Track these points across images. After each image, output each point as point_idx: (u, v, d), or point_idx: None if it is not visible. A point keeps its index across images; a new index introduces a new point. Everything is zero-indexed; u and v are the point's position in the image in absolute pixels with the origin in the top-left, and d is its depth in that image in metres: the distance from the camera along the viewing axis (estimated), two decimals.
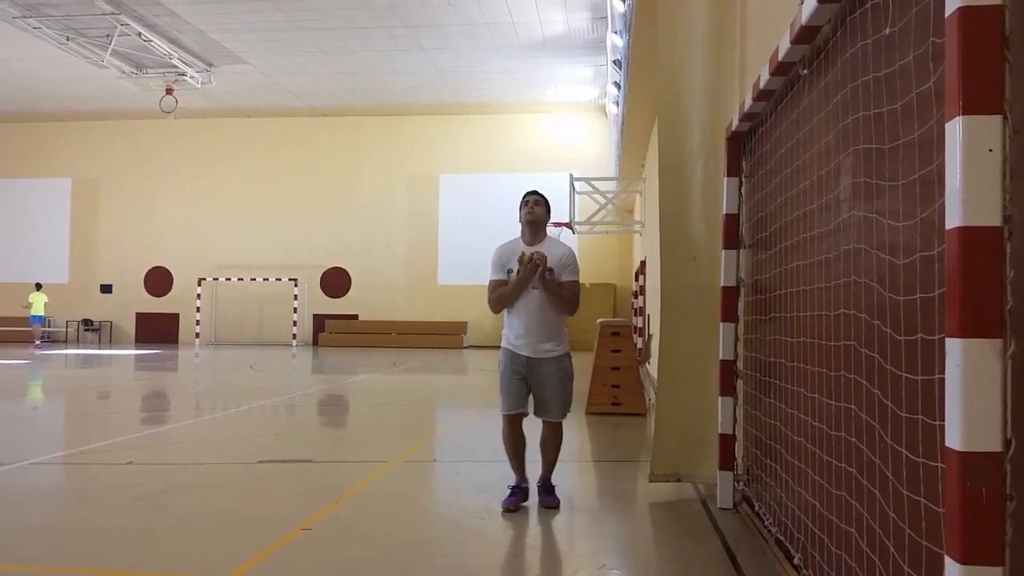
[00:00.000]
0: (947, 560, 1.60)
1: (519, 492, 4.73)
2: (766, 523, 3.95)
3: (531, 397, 4.75)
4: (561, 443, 4.84)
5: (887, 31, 2.32)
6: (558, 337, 4.72)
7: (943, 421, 1.71)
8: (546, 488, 4.81)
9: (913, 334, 2.11)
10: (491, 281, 4.75)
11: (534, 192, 4.90)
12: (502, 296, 4.69)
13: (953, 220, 1.63)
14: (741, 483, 4.61)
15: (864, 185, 2.56)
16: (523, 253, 4.57)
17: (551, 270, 4.56)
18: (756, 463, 4.32)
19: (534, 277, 4.55)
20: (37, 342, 24.06)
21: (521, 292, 4.64)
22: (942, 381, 1.81)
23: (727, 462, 4.61)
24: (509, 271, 4.66)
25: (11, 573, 3.60)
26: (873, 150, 2.47)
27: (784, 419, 3.60)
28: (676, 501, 4.97)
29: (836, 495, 2.80)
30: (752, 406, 4.39)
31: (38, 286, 24.73)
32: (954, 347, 1.61)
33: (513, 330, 4.72)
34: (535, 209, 4.78)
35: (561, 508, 4.79)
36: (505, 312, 4.76)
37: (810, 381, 3.15)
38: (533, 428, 4.82)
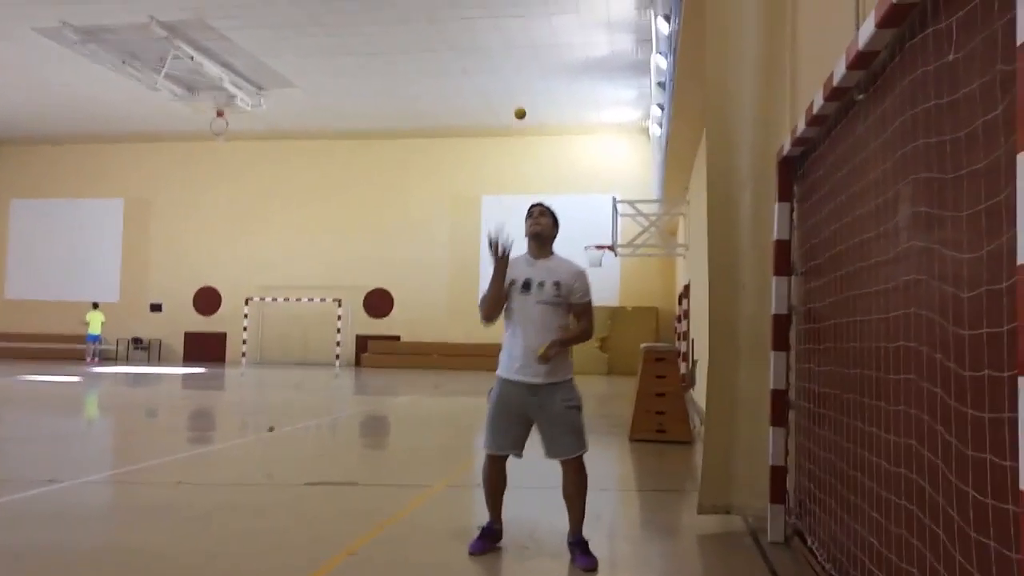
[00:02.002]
0: None
1: (489, 534, 4.30)
2: (819, 559, 3.84)
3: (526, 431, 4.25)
4: (586, 486, 4.18)
5: (950, 57, 2.26)
6: (562, 360, 4.18)
7: (1014, 462, 1.65)
8: (579, 545, 4.12)
9: (979, 370, 2.03)
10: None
11: (539, 204, 4.42)
12: (484, 299, 4.23)
13: None
14: (793, 517, 4.50)
15: (925, 215, 2.50)
16: (489, 233, 4.13)
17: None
18: (809, 496, 4.21)
19: (502, 260, 4.13)
20: (89, 359, 24.63)
21: (498, 285, 4.18)
22: (1012, 420, 1.75)
23: (778, 495, 4.50)
24: (512, 282, 4.23)
25: None
26: (934, 179, 2.41)
27: (839, 452, 3.51)
28: (725, 534, 4.86)
29: (895, 533, 2.71)
30: (805, 438, 4.29)
31: (95, 305, 25.37)
32: None
33: (511, 350, 4.20)
34: (540, 220, 4.32)
35: (605, 538, 4.70)
36: (504, 334, 4.30)
37: (867, 414, 3.07)
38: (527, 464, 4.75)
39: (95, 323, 24.68)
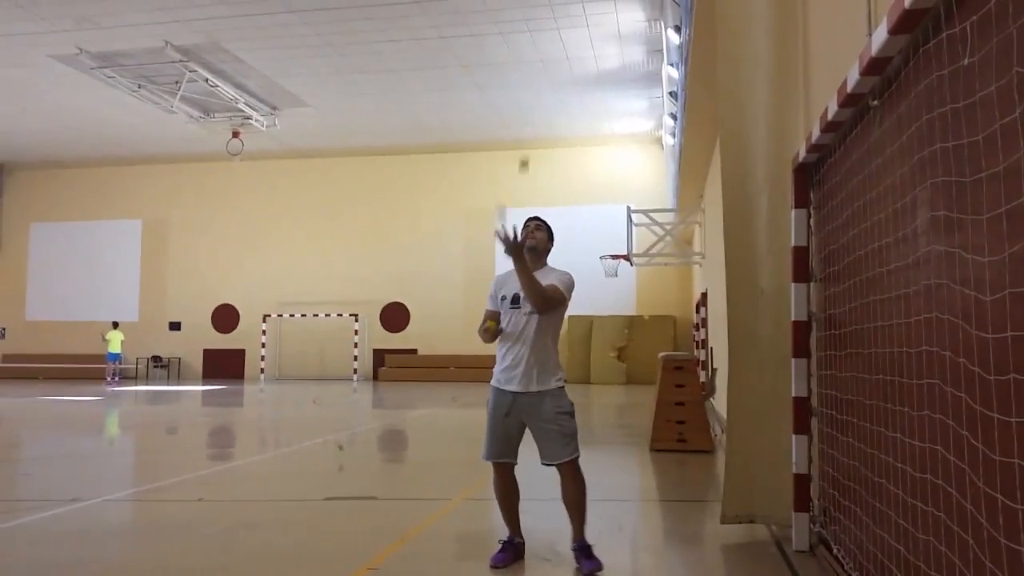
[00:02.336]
0: None
1: (511, 548, 4.30)
2: (845, 567, 3.80)
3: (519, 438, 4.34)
4: (585, 490, 4.27)
5: (965, 61, 2.26)
6: (551, 369, 4.27)
7: None
8: (583, 551, 4.17)
9: (1005, 374, 2.02)
10: (485, 311, 4.43)
11: (536, 218, 4.54)
12: (480, 330, 4.37)
13: None
14: (818, 525, 4.46)
15: (944, 219, 2.49)
16: (497, 230, 4.22)
17: (534, 247, 4.28)
18: (834, 504, 4.17)
19: (520, 248, 4.16)
20: (109, 378, 24.82)
21: (495, 317, 4.32)
22: None
23: (802, 503, 4.47)
24: (503, 298, 4.34)
25: None
26: (953, 183, 2.40)
27: (863, 459, 3.48)
28: (749, 543, 4.83)
29: (923, 540, 2.68)
30: (828, 445, 4.26)
31: (115, 325, 25.58)
32: None
33: (502, 361, 4.32)
34: (536, 234, 4.43)
35: (627, 550, 4.68)
36: (497, 346, 4.40)
37: (891, 420, 3.04)
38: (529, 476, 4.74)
39: (115, 342, 24.89)
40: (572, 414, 4.30)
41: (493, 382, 4.38)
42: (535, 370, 4.23)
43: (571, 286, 4.34)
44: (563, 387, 4.34)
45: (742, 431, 4.86)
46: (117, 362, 24.99)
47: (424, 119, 23.53)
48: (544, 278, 4.28)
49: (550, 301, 4.22)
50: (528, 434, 4.32)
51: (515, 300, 4.30)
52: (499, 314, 4.36)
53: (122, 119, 23.41)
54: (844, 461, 3.86)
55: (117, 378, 25.10)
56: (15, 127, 24.45)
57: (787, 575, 4.15)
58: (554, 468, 4.26)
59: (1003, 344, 2.03)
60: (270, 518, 5.67)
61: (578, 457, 4.26)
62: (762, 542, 4.81)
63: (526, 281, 4.15)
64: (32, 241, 29.83)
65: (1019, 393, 1.93)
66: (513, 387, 4.25)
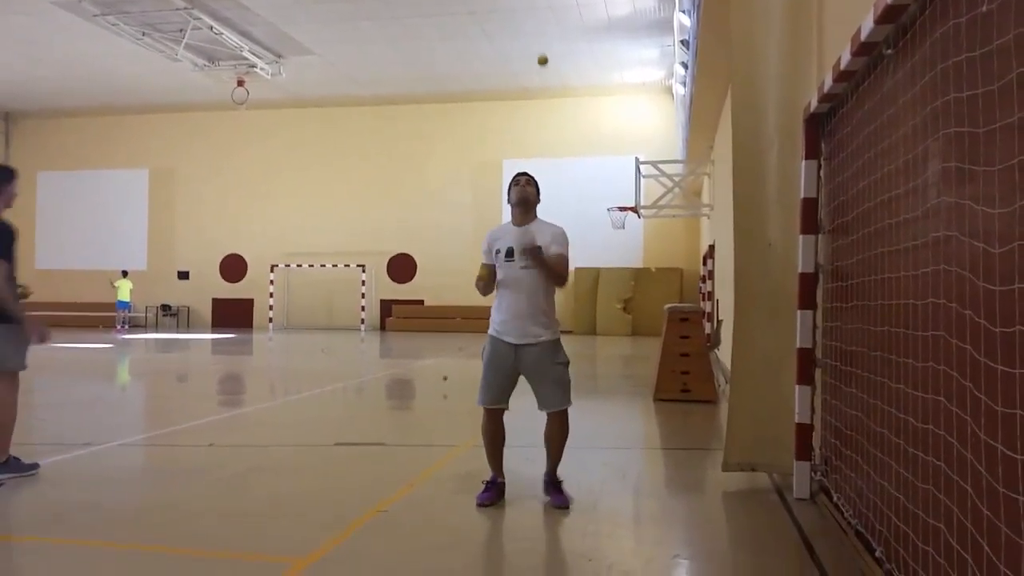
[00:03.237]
0: None
1: (494, 488, 4.56)
2: (845, 514, 3.87)
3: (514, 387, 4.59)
4: (567, 435, 4.59)
5: (983, 8, 2.22)
6: (548, 321, 4.51)
7: None
8: (553, 484, 4.56)
9: (1010, 326, 2.02)
10: (481, 265, 4.64)
11: (524, 173, 4.77)
12: (478, 284, 4.62)
13: None
14: (819, 473, 4.52)
15: (955, 170, 2.47)
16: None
17: (538, 247, 4.41)
18: (835, 453, 4.23)
19: (536, 252, 4.42)
20: (119, 327, 25.02)
21: (489, 271, 4.59)
22: None
23: (804, 452, 4.53)
24: (497, 252, 4.55)
25: (100, 550, 3.77)
26: (966, 134, 2.37)
27: (866, 409, 3.51)
28: (750, 491, 4.90)
29: (923, 488, 2.72)
30: (831, 395, 4.29)
31: (124, 273, 25.68)
32: None
33: (499, 313, 4.55)
34: (527, 188, 4.65)
35: (630, 496, 4.77)
36: (495, 294, 4.62)
37: (894, 371, 3.06)
38: (519, 419, 4.80)
39: (124, 290, 24.96)
40: (567, 365, 4.57)
41: (491, 331, 4.58)
42: (532, 321, 4.46)
43: (568, 242, 4.59)
44: (559, 339, 4.56)
45: (746, 381, 4.90)
46: (126, 310, 25.15)
47: (432, 68, 23.23)
48: (539, 233, 4.51)
49: (565, 272, 4.54)
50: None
51: (509, 253, 4.50)
52: (494, 267, 4.56)
53: (127, 68, 23.18)
54: (846, 411, 3.90)
55: (127, 326, 25.30)
56: (20, 76, 24.25)
57: (787, 522, 4.23)
58: (544, 414, 4.57)
59: (1009, 296, 2.03)
60: (280, 463, 5.78)
61: (569, 407, 4.55)
62: (763, 490, 4.89)
63: (548, 274, 4.45)
64: (40, 190, 29.82)
65: None
66: (512, 338, 4.48)
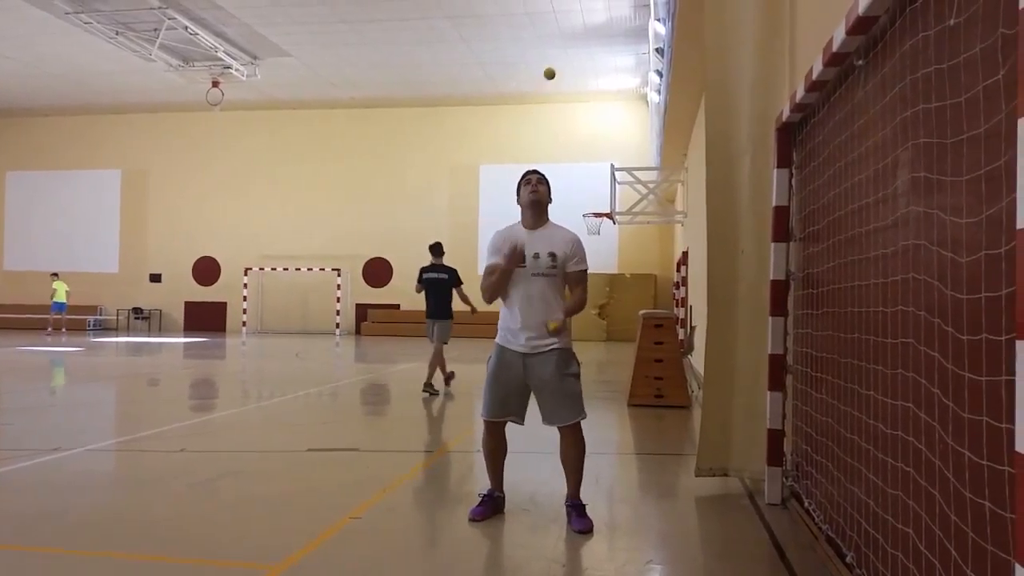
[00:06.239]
0: (1017, 568, 1.57)
1: (490, 502, 4.35)
2: (816, 520, 3.90)
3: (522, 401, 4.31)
4: (584, 451, 4.26)
5: (951, 22, 2.26)
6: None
7: (1011, 424, 1.67)
8: (575, 508, 4.22)
9: (977, 334, 2.06)
10: (486, 267, 4.29)
11: (535, 171, 4.38)
12: (491, 285, 4.24)
13: None
14: (790, 479, 4.56)
15: (924, 180, 2.50)
16: (513, 246, 4.17)
17: (559, 329, 4.11)
18: (806, 459, 4.27)
19: (519, 262, 4.15)
20: (50, 329, 24.37)
21: (506, 281, 4.22)
22: (1009, 383, 1.77)
23: (775, 457, 4.57)
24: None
25: (68, 557, 3.71)
26: (934, 144, 2.41)
27: (836, 415, 3.55)
28: (722, 496, 4.94)
29: (892, 494, 2.75)
30: (802, 401, 4.33)
31: (55, 275, 24.98)
32: None
33: (508, 321, 4.24)
34: (539, 188, 4.28)
35: (604, 501, 4.77)
36: (501, 302, 4.32)
37: (864, 378, 3.10)
38: (527, 433, 4.80)
39: (60, 292, 24.26)
40: (578, 376, 4.26)
41: (499, 340, 4.30)
42: (543, 328, 4.13)
43: (584, 253, 4.31)
44: (570, 347, 4.27)
45: (718, 387, 4.94)
46: (63, 312, 24.38)
47: (409, 72, 23.19)
48: (552, 238, 4.24)
49: (586, 294, 4.33)
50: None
51: (520, 259, 4.20)
52: (509, 271, 4.22)
53: (100, 67, 22.90)
54: (817, 417, 3.94)
55: (63, 330, 24.57)
56: None
57: (759, 527, 4.26)
58: (554, 428, 4.26)
59: (976, 304, 2.07)
60: (252, 469, 5.72)
61: (583, 419, 4.24)
62: (735, 495, 4.92)
63: (572, 311, 4.25)
64: (9, 190, 29.35)
65: (990, 353, 1.98)
66: (518, 347, 4.19)
